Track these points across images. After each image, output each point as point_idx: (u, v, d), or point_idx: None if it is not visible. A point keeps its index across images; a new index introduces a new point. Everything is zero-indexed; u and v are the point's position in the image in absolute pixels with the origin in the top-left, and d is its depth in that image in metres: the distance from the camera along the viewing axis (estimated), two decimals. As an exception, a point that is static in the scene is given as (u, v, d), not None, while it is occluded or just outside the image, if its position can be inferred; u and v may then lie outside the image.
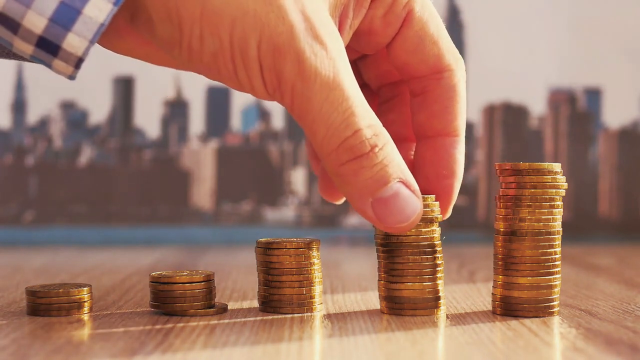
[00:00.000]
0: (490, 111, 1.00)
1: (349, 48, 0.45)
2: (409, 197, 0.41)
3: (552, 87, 1.01)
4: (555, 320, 0.43)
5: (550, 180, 0.43)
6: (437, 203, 0.44)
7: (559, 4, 0.99)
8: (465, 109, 0.47)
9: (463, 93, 0.46)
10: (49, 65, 0.39)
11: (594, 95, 1.01)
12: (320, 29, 0.39)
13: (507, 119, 1.00)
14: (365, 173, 0.40)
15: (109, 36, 0.40)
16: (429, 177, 0.46)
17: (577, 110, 1.01)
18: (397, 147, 0.43)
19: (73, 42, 0.37)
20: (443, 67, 0.46)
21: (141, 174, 1.00)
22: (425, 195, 0.44)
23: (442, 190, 0.46)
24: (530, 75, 1.00)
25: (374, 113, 0.40)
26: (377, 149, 0.40)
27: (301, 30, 0.38)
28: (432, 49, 0.45)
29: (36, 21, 0.37)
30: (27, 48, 0.38)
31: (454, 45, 0.46)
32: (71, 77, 0.39)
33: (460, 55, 0.47)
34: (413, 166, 0.47)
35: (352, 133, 0.39)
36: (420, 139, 0.47)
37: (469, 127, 0.99)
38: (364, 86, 0.50)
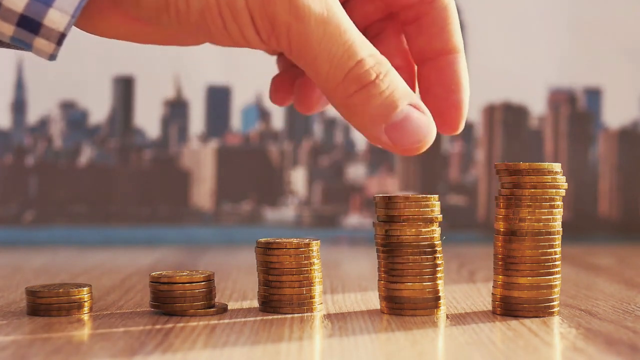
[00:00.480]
0: (490, 111, 1.00)
1: None
2: (420, 118, 0.41)
3: (552, 87, 1.01)
4: (555, 320, 0.43)
5: (550, 180, 0.43)
6: (438, 203, 0.44)
7: (559, 4, 0.99)
8: (459, 26, 0.48)
9: (455, 11, 0.47)
10: (29, 46, 0.39)
11: (594, 95, 1.01)
12: None
13: (507, 119, 1.00)
14: (374, 101, 0.40)
15: (92, 15, 0.40)
16: (438, 96, 0.47)
17: (577, 110, 1.01)
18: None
19: (54, 17, 0.37)
20: None
21: (141, 174, 1.00)
22: (426, 195, 0.44)
23: (452, 106, 0.47)
24: (530, 75, 1.00)
25: (370, 43, 0.41)
26: (382, 76, 0.40)
27: None
28: None
29: (16, 0, 0.37)
30: (8, 29, 0.38)
31: None
32: (52, 57, 0.39)
33: None
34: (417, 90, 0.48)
35: (355, 63, 0.40)
36: (422, 63, 0.48)
37: (469, 128, 0.99)
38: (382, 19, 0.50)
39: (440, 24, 0.47)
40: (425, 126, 0.41)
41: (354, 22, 0.50)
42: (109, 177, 0.99)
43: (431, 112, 0.46)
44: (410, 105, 0.41)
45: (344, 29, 0.40)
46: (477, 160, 1.00)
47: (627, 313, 0.45)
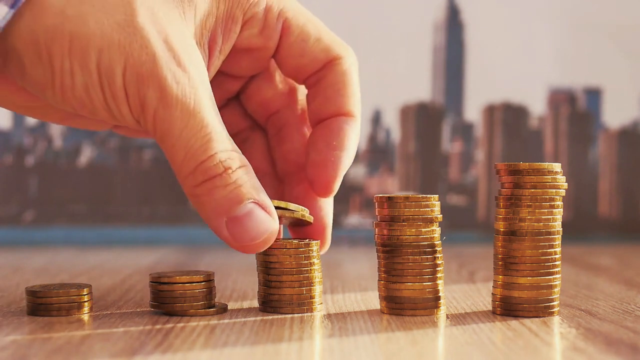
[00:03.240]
0: (490, 111, 1.00)
1: (232, 78, 0.48)
2: (262, 217, 0.42)
3: (552, 87, 1.01)
4: (555, 320, 0.43)
5: (550, 180, 0.43)
6: (438, 203, 0.44)
7: (558, 4, 0.99)
8: (359, 94, 0.48)
9: (355, 77, 0.48)
10: None
11: (594, 95, 1.01)
12: (183, 57, 0.40)
13: (507, 119, 1.00)
14: (218, 192, 0.41)
15: None
16: (319, 149, 0.47)
17: (577, 110, 1.01)
18: (297, 176, 0.46)
19: None
20: (333, 57, 0.47)
21: (141, 174, 1.00)
22: (426, 195, 0.44)
23: (329, 161, 0.47)
24: (530, 75, 1.00)
25: (231, 140, 0.42)
26: (230, 171, 0.41)
27: (164, 58, 0.40)
28: (318, 46, 0.47)
29: None
30: None
31: (339, 38, 0.48)
32: None
33: (348, 45, 0.48)
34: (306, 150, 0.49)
35: (208, 157, 0.41)
36: (315, 124, 0.49)
37: (469, 127, 0.99)
38: (252, 127, 0.52)
39: (336, 87, 0.48)
40: (266, 225, 0.42)
41: (254, 110, 0.51)
42: (109, 177, 0.99)
43: (309, 166, 0.47)
44: (255, 203, 0.41)
45: (207, 123, 0.40)
46: (477, 160, 1.00)
47: (627, 313, 0.45)
